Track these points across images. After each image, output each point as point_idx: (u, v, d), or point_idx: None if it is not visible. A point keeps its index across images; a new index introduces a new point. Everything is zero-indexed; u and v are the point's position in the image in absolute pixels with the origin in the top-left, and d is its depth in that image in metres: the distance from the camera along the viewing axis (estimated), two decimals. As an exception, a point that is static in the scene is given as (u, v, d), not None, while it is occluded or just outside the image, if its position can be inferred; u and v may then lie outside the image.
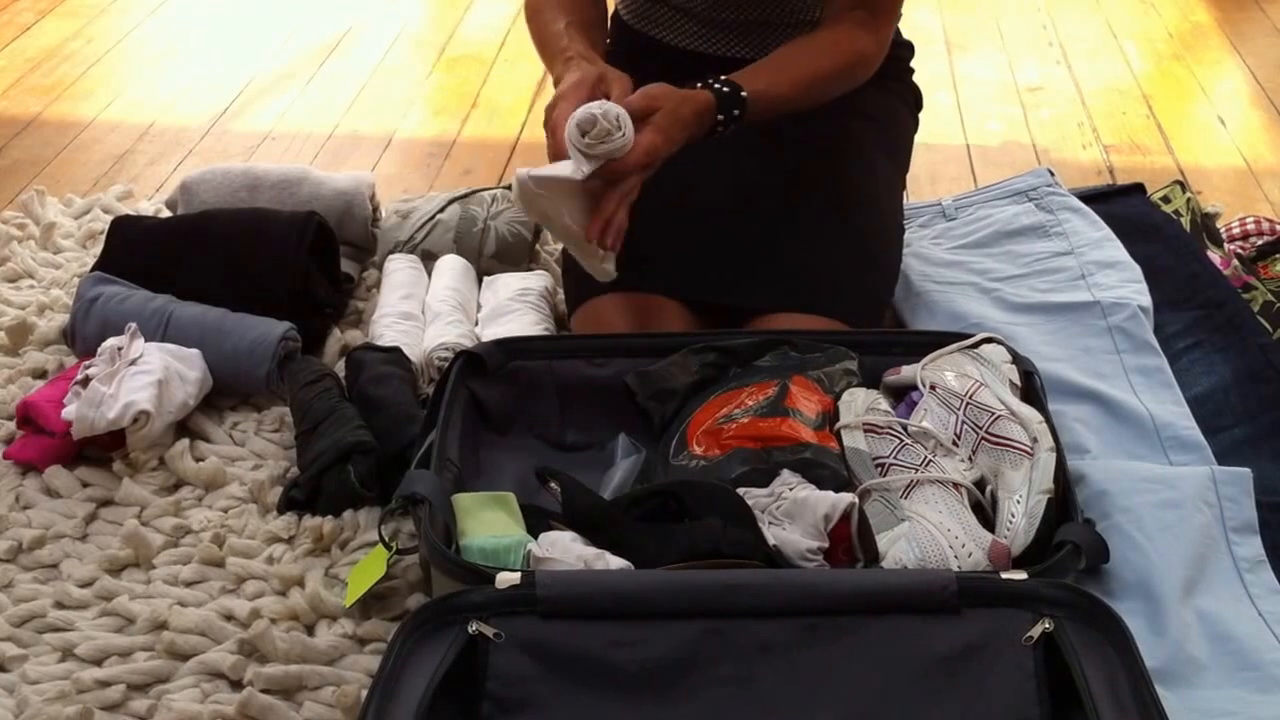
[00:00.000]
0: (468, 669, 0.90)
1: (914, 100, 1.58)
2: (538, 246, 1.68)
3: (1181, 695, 1.01)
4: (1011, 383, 1.18)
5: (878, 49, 1.36)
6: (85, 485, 1.31)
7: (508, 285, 1.52)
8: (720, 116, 1.22)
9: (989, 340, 1.23)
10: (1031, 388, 1.20)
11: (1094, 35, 2.48)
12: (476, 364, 1.23)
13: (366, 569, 1.12)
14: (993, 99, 2.23)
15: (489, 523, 1.06)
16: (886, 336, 1.30)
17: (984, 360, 1.20)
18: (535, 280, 1.53)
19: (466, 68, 2.38)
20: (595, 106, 1.12)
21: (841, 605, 0.92)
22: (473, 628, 0.90)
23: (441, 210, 1.65)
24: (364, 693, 1.04)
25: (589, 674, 0.90)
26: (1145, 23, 2.53)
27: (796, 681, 0.90)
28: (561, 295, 1.52)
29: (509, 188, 1.70)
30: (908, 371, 1.21)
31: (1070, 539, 1.01)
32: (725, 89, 1.23)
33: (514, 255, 1.62)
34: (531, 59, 2.29)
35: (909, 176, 1.60)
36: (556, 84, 1.24)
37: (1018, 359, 1.22)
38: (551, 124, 1.18)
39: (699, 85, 1.24)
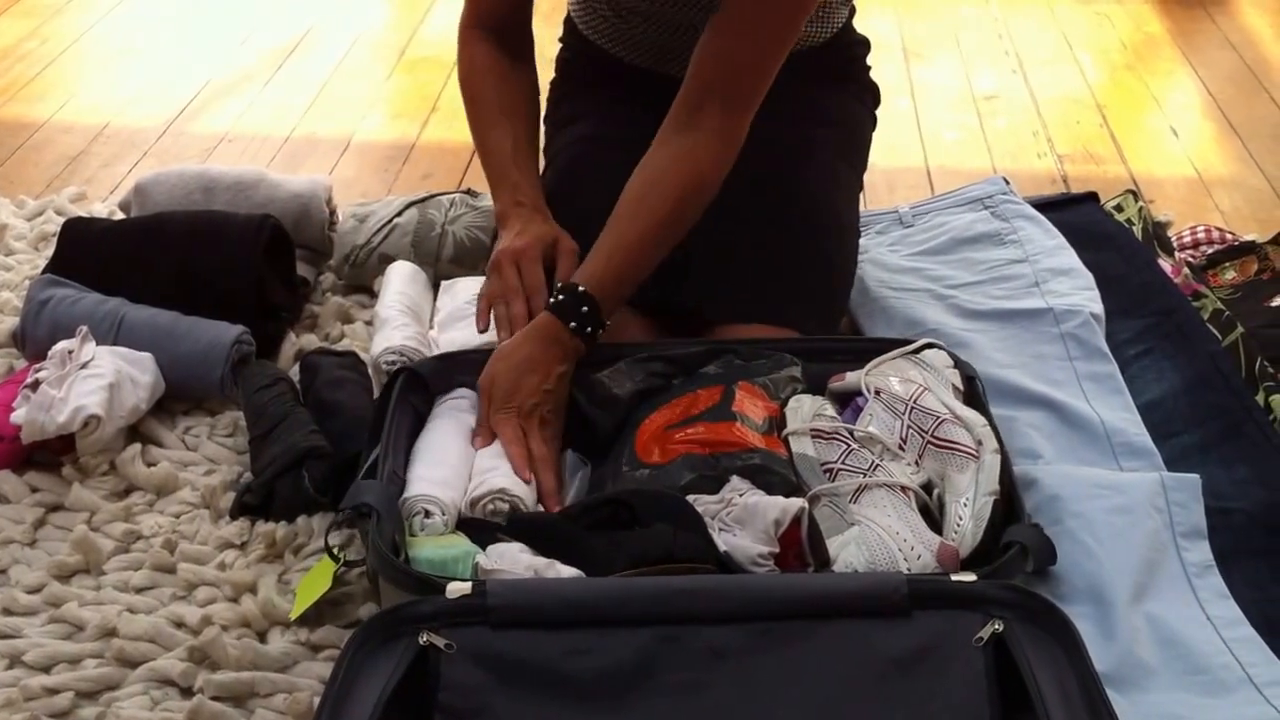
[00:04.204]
0: (419, 680, 0.89)
1: (872, 99, 1.58)
2: (496, 251, 1.67)
3: (1131, 699, 1.02)
4: (954, 387, 1.19)
5: (725, 157, 1.25)
6: (34, 490, 1.30)
7: (465, 289, 1.51)
8: (572, 324, 1.19)
9: (930, 345, 1.24)
10: (973, 392, 1.21)
11: (1049, 45, 2.50)
12: (418, 381, 1.23)
13: (314, 581, 1.11)
14: (950, 107, 2.25)
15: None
16: (830, 344, 1.31)
17: (927, 365, 1.21)
18: (493, 285, 1.53)
19: (426, 71, 2.37)
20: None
21: (793, 610, 0.93)
22: (423, 638, 0.90)
23: (399, 214, 1.65)
24: (316, 700, 1.04)
25: (541, 683, 0.90)
26: (1099, 33, 2.56)
27: (750, 687, 0.91)
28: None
29: (468, 192, 1.71)
30: (852, 378, 1.22)
31: (1017, 540, 1.02)
32: (561, 296, 1.20)
33: (472, 259, 1.62)
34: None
35: (866, 183, 1.61)
36: (500, 222, 1.30)
37: (959, 364, 1.23)
38: (501, 288, 1.24)
39: (551, 300, 1.22)
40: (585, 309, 1.20)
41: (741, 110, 1.26)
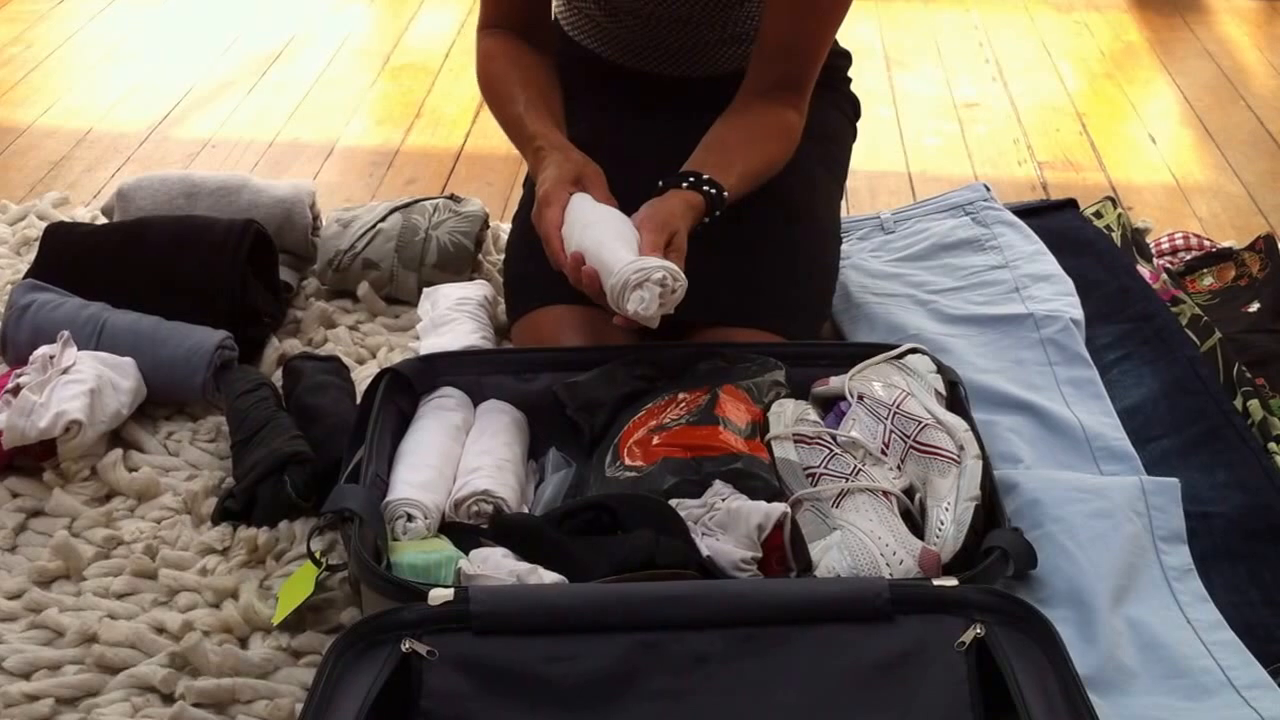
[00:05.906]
0: (401, 688, 0.89)
1: (852, 110, 1.59)
2: (480, 256, 1.67)
3: (1112, 702, 1.02)
4: (937, 392, 1.20)
5: (802, 124, 1.38)
6: (15, 495, 1.29)
7: (447, 296, 1.51)
8: (706, 219, 1.24)
9: (914, 351, 1.25)
10: (956, 397, 1.21)
11: (1029, 54, 2.52)
12: (402, 382, 1.23)
13: (296, 585, 1.11)
14: (931, 115, 2.26)
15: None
16: (814, 348, 1.31)
17: (910, 370, 1.22)
18: (474, 290, 1.53)
19: (411, 77, 2.37)
20: (656, 272, 1.12)
21: (776, 615, 0.93)
22: (405, 645, 0.89)
23: (383, 219, 1.65)
24: (298, 706, 1.04)
25: (524, 690, 0.90)
26: (1079, 42, 2.58)
27: (732, 693, 0.91)
28: (503, 305, 1.52)
29: (451, 197, 1.71)
30: (835, 382, 1.23)
31: (998, 545, 1.03)
32: (712, 190, 1.24)
33: (456, 265, 1.62)
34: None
35: (849, 190, 1.61)
36: (533, 175, 1.27)
37: (942, 369, 1.23)
38: (544, 231, 1.21)
39: (683, 185, 1.24)
40: (717, 214, 1.25)
41: (807, 89, 1.36)
